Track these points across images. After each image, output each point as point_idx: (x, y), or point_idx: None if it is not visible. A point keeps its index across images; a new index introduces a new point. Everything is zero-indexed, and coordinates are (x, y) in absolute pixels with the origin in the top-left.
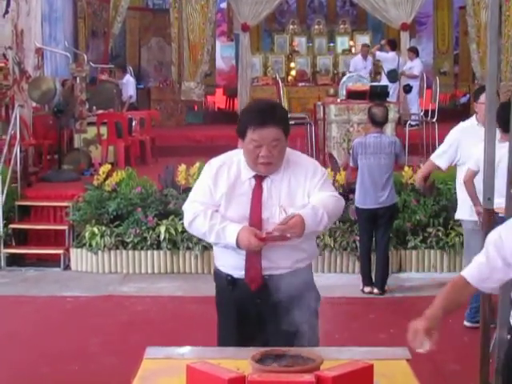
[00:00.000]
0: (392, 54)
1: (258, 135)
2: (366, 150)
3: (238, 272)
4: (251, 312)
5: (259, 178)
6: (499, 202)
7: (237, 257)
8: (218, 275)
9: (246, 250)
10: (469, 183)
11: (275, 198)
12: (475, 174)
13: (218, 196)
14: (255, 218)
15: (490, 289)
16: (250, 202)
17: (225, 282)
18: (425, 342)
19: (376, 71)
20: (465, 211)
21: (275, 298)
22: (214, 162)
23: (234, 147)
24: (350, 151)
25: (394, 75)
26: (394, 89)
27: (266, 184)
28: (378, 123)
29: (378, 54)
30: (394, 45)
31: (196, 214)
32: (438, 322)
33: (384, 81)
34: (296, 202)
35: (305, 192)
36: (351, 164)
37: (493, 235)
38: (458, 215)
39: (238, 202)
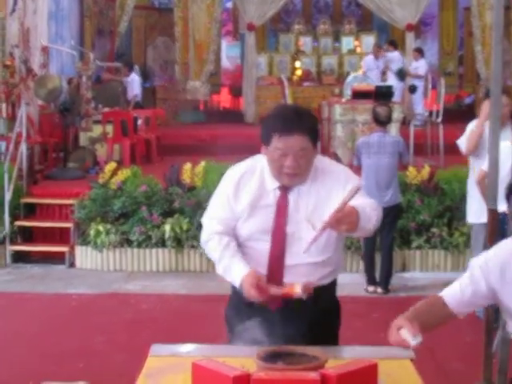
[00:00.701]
0: (397, 54)
1: (283, 143)
2: (370, 150)
3: None
4: (270, 331)
5: (285, 189)
6: None
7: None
8: (237, 289)
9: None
10: (482, 184)
11: (302, 211)
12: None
13: (238, 209)
14: (278, 233)
15: (464, 314)
16: (273, 214)
17: (243, 298)
18: (415, 334)
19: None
20: (471, 214)
21: (296, 317)
22: (237, 170)
23: (239, 146)
24: (355, 151)
25: (402, 74)
26: (399, 88)
27: (292, 196)
28: (382, 122)
29: (388, 55)
30: (395, 44)
31: (211, 237)
32: (415, 320)
33: (392, 80)
34: (325, 216)
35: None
36: (355, 163)
37: (478, 260)
38: (467, 218)
39: (261, 214)
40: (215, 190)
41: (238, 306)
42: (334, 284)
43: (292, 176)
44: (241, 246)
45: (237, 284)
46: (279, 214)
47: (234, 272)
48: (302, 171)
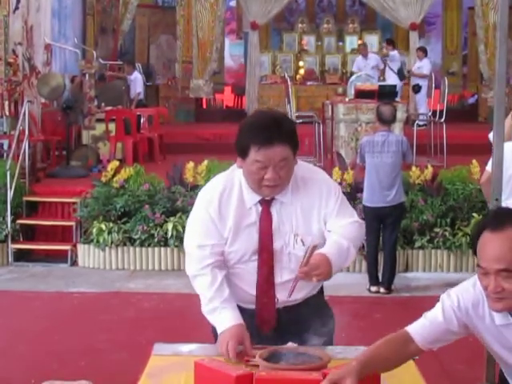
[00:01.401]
0: (396, 53)
1: (262, 155)
2: (374, 149)
3: (246, 305)
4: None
5: (266, 203)
6: None
7: (246, 293)
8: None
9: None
10: (486, 185)
11: (288, 225)
12: None
13: (226, 232)
14: (265, 253)
15: (432, 349)
16: (257, 232)
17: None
18: None
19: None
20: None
21: (287, 329)
22: (214, 189)
23: None
24: (358, 149)
25: (402, 73)
26: (399, 88)
27: (274, 208)
28: (386, 121)
29: (390, 54)
30: (393, 43)
31: (202, 272)
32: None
33: (391, 80)
34: (312, 228)
35: (320, 217)
36: (358, 161)
37: (449, 299)
38: None
39: (245, 234)
40: (191, 214)
41: None
42: (321, 289)
43: (273, 188)
44: (229, 268)
45: (218, 330)
46: (263, 232)
47: (221, 319)
48: (283, 182)
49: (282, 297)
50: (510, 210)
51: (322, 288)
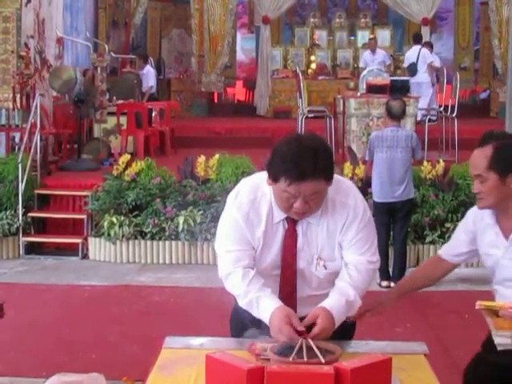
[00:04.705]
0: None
1: (294, 189)
2: (383, 144)
3: None
4: None
5: (292, 221)
6: None
7: None
8: (238, 306)
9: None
10: None
11: (313, 247)
12: None
13: (255, 241)
14: (289, 270)
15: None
16: (281, 251)
17: (245, 315)
18: None
19: (395, 66)
20: None
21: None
22: (245, 198)
23: (252, 140)
24: (368, 144)
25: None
26: None
27: (300, 228)
28: (395, 116)
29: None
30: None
31: (232, 271)
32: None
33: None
34: (335, 252)
35: (338, 241)
36: (367, 157)
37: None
38: None
39: (271, 246)
40: (221, 218)
41: (241, 323)
42: None
43: (301, 215)
44: None
45: (265, 319)
46: (287, 250)
47: (262, 307)
48: (313, 210)
49: (302, 311)
50: None
51: None
